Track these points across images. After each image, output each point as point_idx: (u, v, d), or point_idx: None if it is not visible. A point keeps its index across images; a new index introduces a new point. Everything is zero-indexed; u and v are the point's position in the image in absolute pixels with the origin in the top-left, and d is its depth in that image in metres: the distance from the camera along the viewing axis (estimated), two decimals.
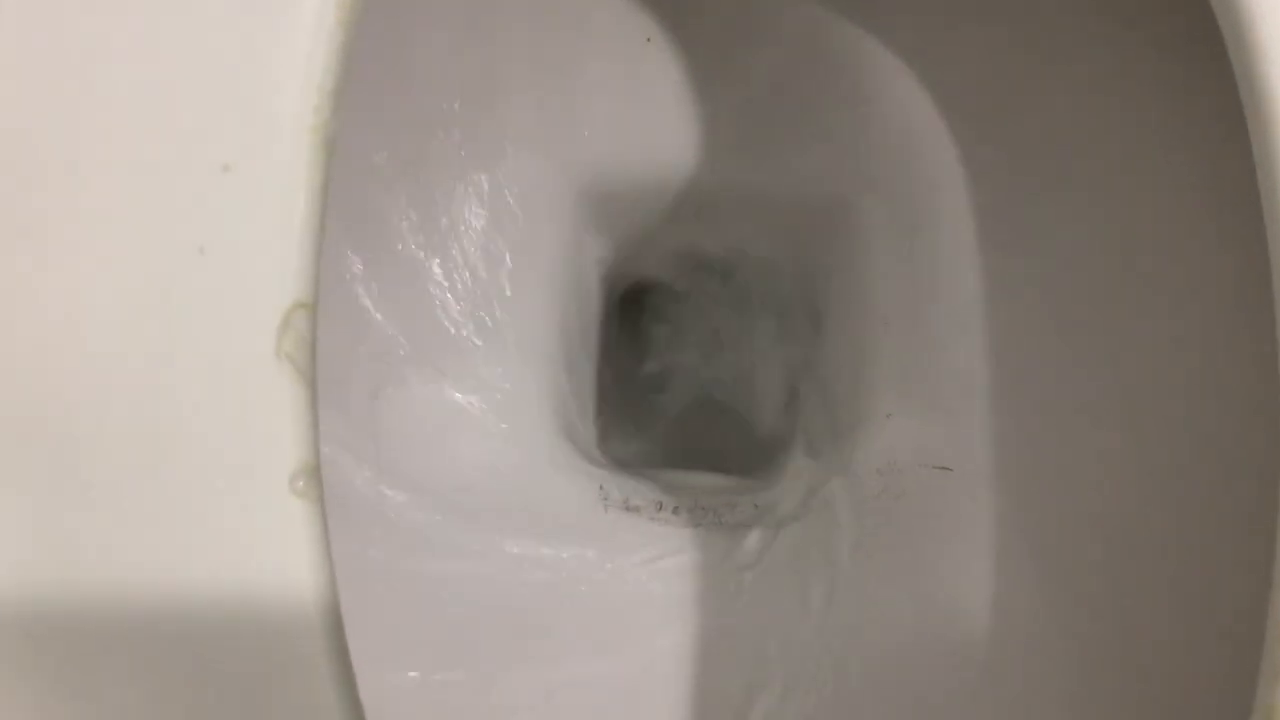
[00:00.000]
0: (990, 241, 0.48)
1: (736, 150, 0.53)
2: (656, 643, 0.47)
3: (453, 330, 0.49)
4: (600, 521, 0.49)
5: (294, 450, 0.25)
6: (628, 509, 0.50)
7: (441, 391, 0.48)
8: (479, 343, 0.49)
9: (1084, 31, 0.45)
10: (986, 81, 0.48)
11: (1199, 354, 0.42)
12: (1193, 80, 0.41)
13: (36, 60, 0.26)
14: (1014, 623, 0.45)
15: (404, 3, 0.44)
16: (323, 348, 0.26)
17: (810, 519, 0.50)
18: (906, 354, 0.51)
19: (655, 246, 0.60)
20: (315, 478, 0.25)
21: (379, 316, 0.46)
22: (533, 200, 0.51)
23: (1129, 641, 0.42)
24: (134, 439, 0.25)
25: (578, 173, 0.52)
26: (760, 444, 0.61)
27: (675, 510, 0.50)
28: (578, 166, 0.52)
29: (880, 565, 0.48)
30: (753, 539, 0.50)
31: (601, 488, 0.51)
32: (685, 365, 0.68)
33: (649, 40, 0.50)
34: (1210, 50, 0.30)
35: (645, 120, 0.52)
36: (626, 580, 0.48)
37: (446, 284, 0.49)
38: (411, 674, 0.43)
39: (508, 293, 0.50)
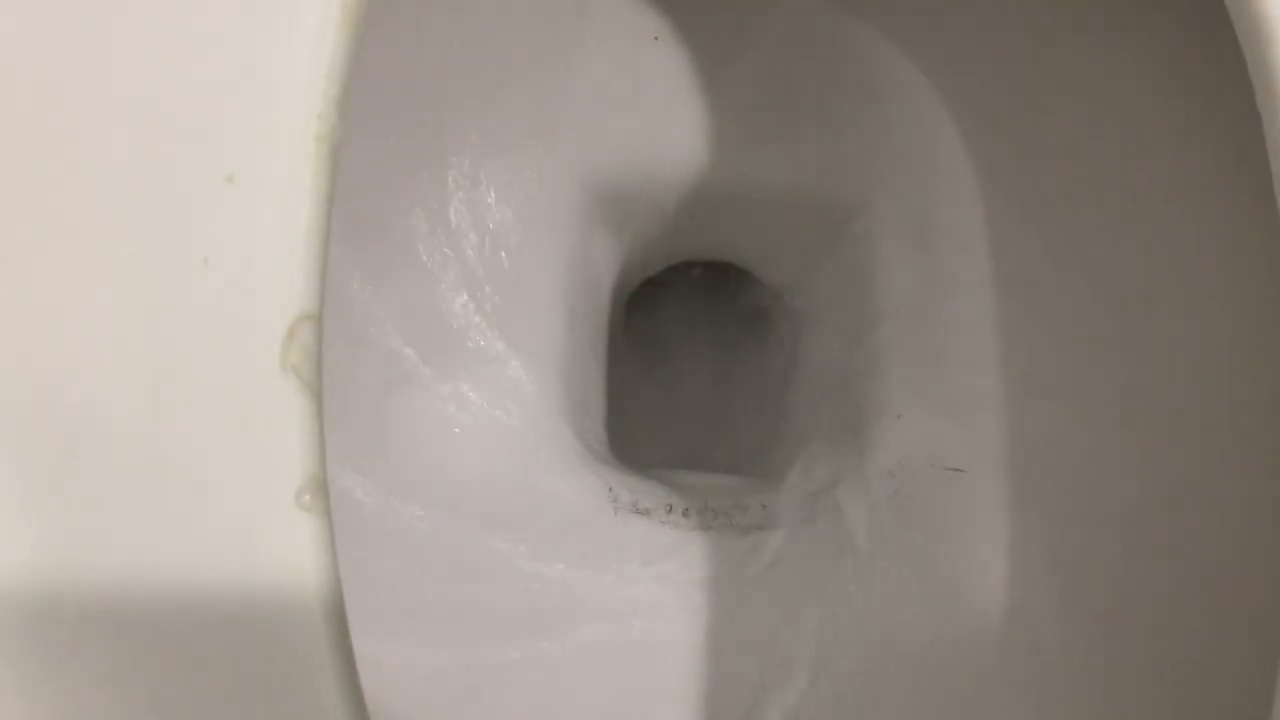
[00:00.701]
0: (1001, 240, 0.47)
1: (746, 148, 0.53)
2: (667, 645, 0.47)
3: (460, 334, 0.48)
4: (610, 524, 0.49)
5: (300, 464, 0.25)
6: (637, 511, 0.50)
7: (449, 396, 0.48)
8: (486, 346, 0.49)
9: (1097, 29, 0.44)
10: (997, 78, 0.47)
11: (1215, 352, 0.42)
12: (1208, 78, 0.41)
13: (37, 68, 0.26)
14: (1028, 623, 0.45)
15: (408, 6, 0.44)
16: (330, 355, 0.26)
17: (821, 521, 0.50)
18: (917, 354, 0.50)
19: (664, 245, 0.60)
20: (321, 491, 0.25)
21: (386, 322, 0.46)
22: (540, 202, 0.51)
23: (1143, 641, 0.42)
24: (136, 453, 0.25)
25: (586, 173, 0.52)
26: (771, 445, 0.61)
27: (685, 512, 0.50)
28: (585, 167, 0.52)
29: (893, 566, 0.48)
30: (764, 541, 0.49)
31: (611, 490, 0.50)
32: (695, 365, 0.68)
33: (656, 39, 0.50)
34: (1225, 49, 0.30)
35: (653, 119, 0.52)
36: (636, 583, 0.48)
37: (453, 288, 0.48)
38: (418, 679, 0.43)
39: (515, 295, 0.50)
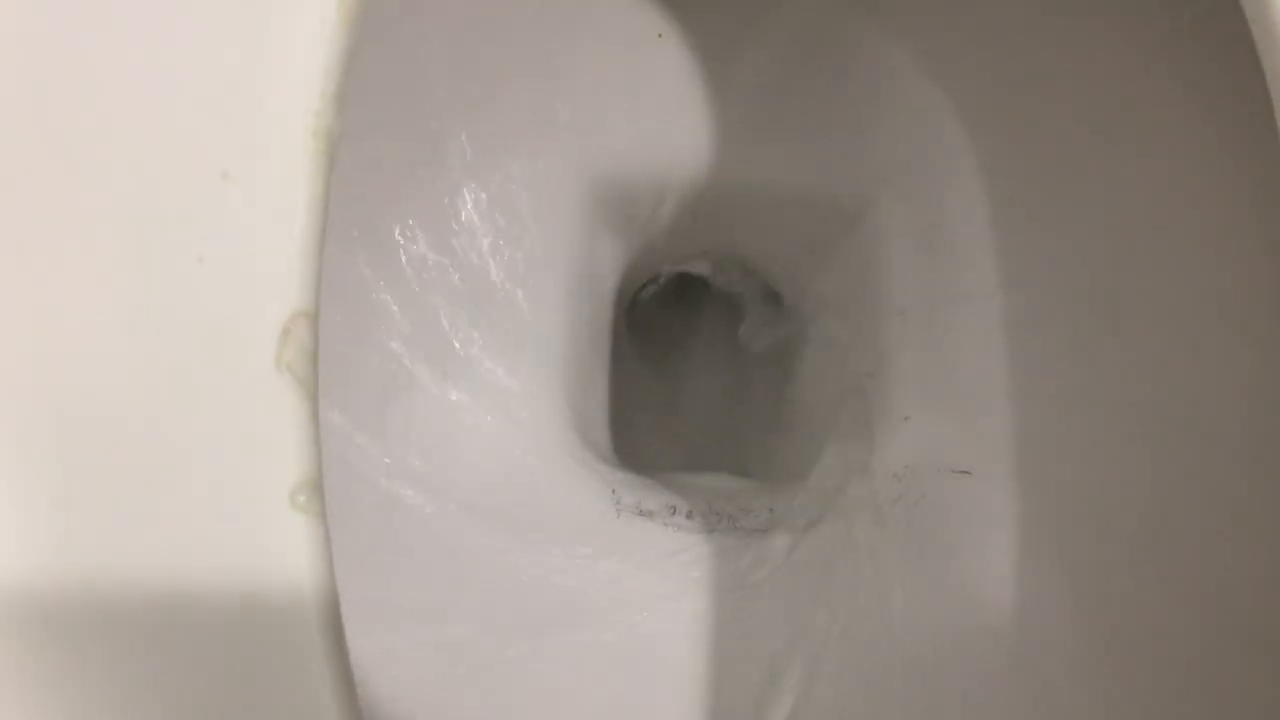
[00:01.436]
0: (1008, 241, 0.47)
1: (751, 147, 0.53)
2: (670, 646, 0.46)
3: (463, 333, 0.48)
4: (613, 526, 0.49)
5: (295, 463, 0.24)
6: (641, 513, 0.49)
7: (452, 396, 0.48)
8: (489, 345, 0.49)
9: (1100, 24, 0.44)
10: (1001, 75, 0.47)
11: (1224, 354, 0.42)
12: (1211, 75, 0.40)
13: (31, 65, 0.26)
14: (1037, 626, 0.44)
15: (408, 3, 0.43)
16: (332, 353, 0.26)
17: (827, 524, 0.50)
18: (923, 356, 0.50)
19: (669, 245, 0.59)
20: (316, 491, 0.24)
21: (388, 321, 0.46)
22: (542, 200, 0.50)
23: (1153, 644, 0.42)
24: (130, 453, 0.25)
25: (589, 172, 0.51)
26: (776, 447, 0.61)
27: (689, 515, 0.50)
28: (589, 165, 0.51)
29: (900, 570, 0.48)
30: (768, 544, 0.49)
31: (614, 492, 0.50)
32: (699, 366, 0.68)
33: (660, 36, 0.50)
34: (1230, 44, 0.30)
35: (657, 118, 0.52)
36: (638, 584, 0.47)
37: (456, 286, 0.48)
38: (415, 678, 0.43)
39: (518, 294, 0.50)
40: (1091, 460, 0.44)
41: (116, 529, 0.24)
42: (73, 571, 0.24)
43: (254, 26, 0.26)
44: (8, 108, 0.25)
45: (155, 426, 0.25)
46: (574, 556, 0.47)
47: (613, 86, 0.51)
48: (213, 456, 0.24)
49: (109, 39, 0.26)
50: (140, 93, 0.26)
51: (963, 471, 0.47)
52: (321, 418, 0.25)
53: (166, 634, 0.25)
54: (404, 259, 0.47)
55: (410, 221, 0.47)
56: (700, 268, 0.65)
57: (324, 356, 0.26)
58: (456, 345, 0.48)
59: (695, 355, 0.68)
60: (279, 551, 0.24)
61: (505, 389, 0.49)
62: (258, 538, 0.24)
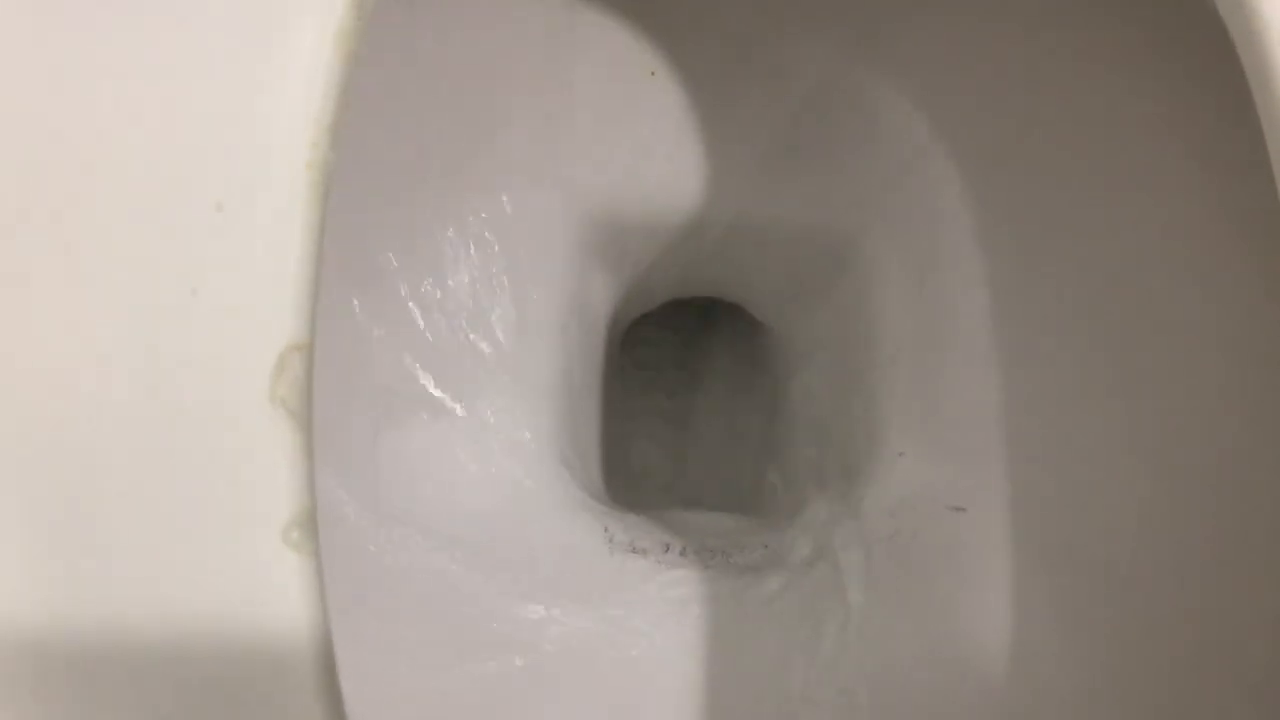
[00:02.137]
0: (1001, 275, 0.47)
1: (742, 184, 0.53)
2: (663, 686, 0.46)
3: (454, 368, 0.48)
4: (606, 564, 0.48)
5: (288, 500, 0.24)
6: (634, 551, 0.49)
7: (443, 431, 0.47)
8: (480, 381, 0.49)
9: (1090, 64, 0.44)
10: (994, 114, 0.48)
11: (1218, 390, 0.42)
12: (1203, 109, 0.41)
13: (28, 95, 0.25)
14: (1030, 664, 0.44)
15: (403, 36, 0.44)
16: (322, 387, 0.25)
17: (821, 561, 0.49)
18: (918, 391, 0.50)
19: (661, 281, 0.59)
20: (310, 527, 0.24)
21: (379, 355, 0.46)
22: (535, 236, 0.50)
23: (1145, 683, 0.42)
24: (122, 487, 0.24)
25: (581, 207, 0.51)
26: (769, 483, 0.60)
27: (683, 552, 0.49)
28: (581, 201, 0.51)
29: (893, 606, 0.47)
30: (763, 581, 0.49)
31: (606, 529, 0.50)
32: (692, 402, 0.67)
33: (653, 74, 0.50)
34: (1222, 78, 0.30)
35: (649, 155, 0.52)
36: (634, 623, 0.47)
37: (448, 321, 0.48)
38: (408, 714, 0.42)
39: (510, 329, 0.50)
40: (1087, 497, 0.44)
41: (108, 565, 0.24)
42: (63, 608, 0.24)
43: (251, 60, 0.26)
44: (5, 139, 0.25)
45: (148, 461, 0.24)
46: (567, 595, 0.47)
47: (605, 124, 0.51)
48: (206, 492, 0.24)
49: (105, 72, 0.26)
50: (136, 125, 0.26)
51: (958, 508, 0.47)
52: (315, 453, 0.25)
53: (158, 671, 0.24)
54: (397, 293, 0.46)
55: (403, 255, 0.46)
56: (693, 304, 0.65)
57: (317, 391, 0.25)
58: (449, 380, 0.48)
59: (688, 390, 0.68)
60: (272, 589, 0.24)
61: (497, 426, 0.49)
62: (251, 575, 0.24)
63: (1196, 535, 0.42)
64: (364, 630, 0.42)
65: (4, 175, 0.25)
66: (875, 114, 0.50)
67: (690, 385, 0.68)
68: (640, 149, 0.51)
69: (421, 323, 0.47)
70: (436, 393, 0.47)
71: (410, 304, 0.47)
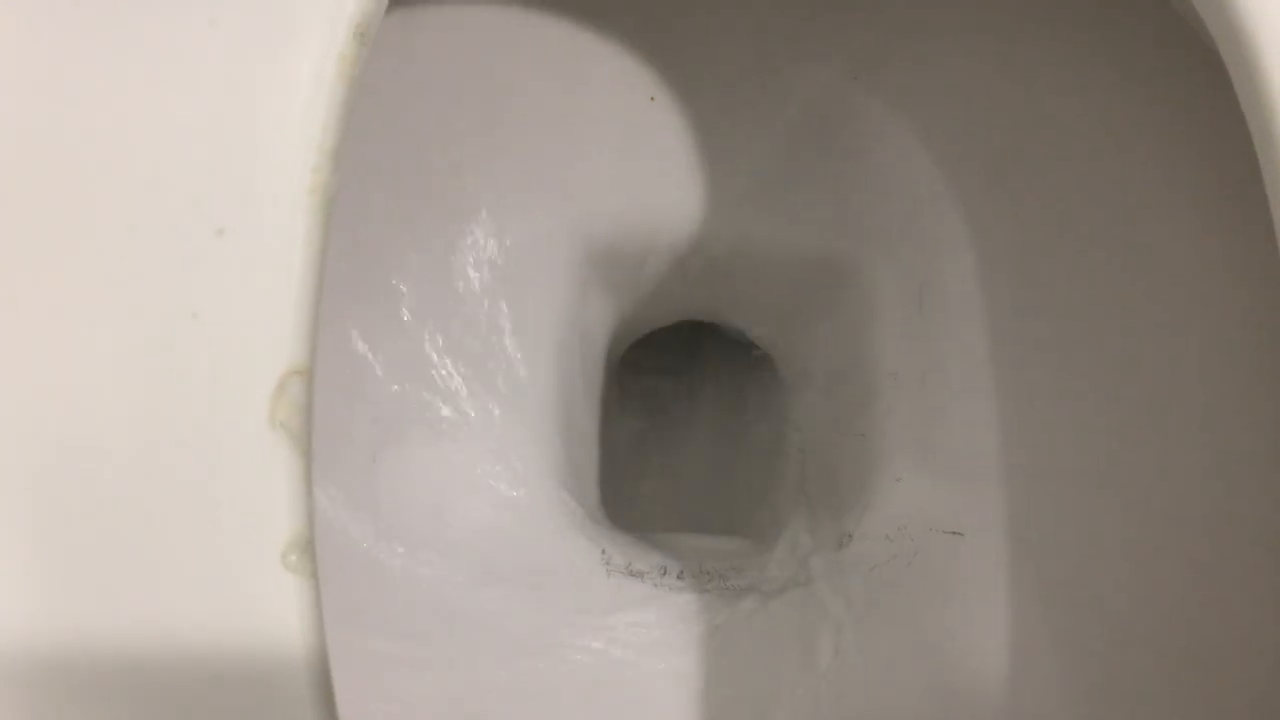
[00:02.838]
0: (1000, 299, 0.47)
1: (742, 208, 0.53)
2: (659, 709, 0.46)
3: (452, 391, 0.48)
4: (603, 585, 0.48)
5: (287, 523, 0.24)
6: (631, 574, 0.49)
7: (441, 453, 0.47)
8: (479, 403, 0.49)
9: (1088, 90, 0.45)
10: (991, 139, 0.48)
11: (1217, 415, 0.42)
12: (1200, 130, 0.41)
13: (29, 120, 0.26)
14: (1027, 691, 0.44)
15: (405, 60, 0.44)
16: (321, 409, 0.25)
17: (817, 584, 0.49)
18: (915, 416, 0.50)
19: (660, 305, 0.60)
20: (309, 551, 0.24)
21: (378, 377, 0.46)
22: (534, 258, 0.50)
23: (1143, 715, 0.41)
24: (122, 509, 0.24)
25: (580, 231, 0.52)
26: (767, 507, 0.60)
27: (680, 575, 0.49)
28: (581, 225, 0.52)
29: (889, 631, 0.47)
30: (759, 605, 0.49)
31: (604, 551, 0.50)
32: (689, 426, 0.67)
33: (652, 99, 0.50)
34: (1218, 99, 0.30)
35: (649, 179, 0.52)
36: (630, 646, 0.47)
37: (446, 343, 0.48)
38: None
39: (508, 352, 0.50)
40: (1087, 523, 0.44)
41: (107, 587, 0.24)
42: (62, 630, 0.24)
43: (252, 84, 0.26)
44: (4, 163, 0.25)
45: (147, 484, 0.24)
46: (564, 617, 0.46)
47: (605, 147, 0.51)
48: (205, 515, 0.24)
49: (106, 95, 0.26)
50: (136, 148, 0.26)
51: (955, 533, 0.47)
52: (314, 476, 0.25)
53: (155, 693, 0.24)
54: (398, 316, 0.47)
55: (403, 277, 0.47)
56: (691, 327, 0.65)
57: (317, 414, 0.25)
58: (446, 403, 0.48)
59: (687, 413, 0.68)
60: (271, 613, 0.24)
61: (493, 447, 0.49)
62: (249, 599, 0.24)
63: (1196, 565, 0.41)
64: (361, 652, 0.42)
65: (6, 200, 0.25)
66: (873, 139, 0.50)
67: (688, 408, 0.68)
68: (640, 174, 0.52)
69: (420, 344, 0.47)
70: (435, 414, 0.47)
71: (410, 327, 0.47)
